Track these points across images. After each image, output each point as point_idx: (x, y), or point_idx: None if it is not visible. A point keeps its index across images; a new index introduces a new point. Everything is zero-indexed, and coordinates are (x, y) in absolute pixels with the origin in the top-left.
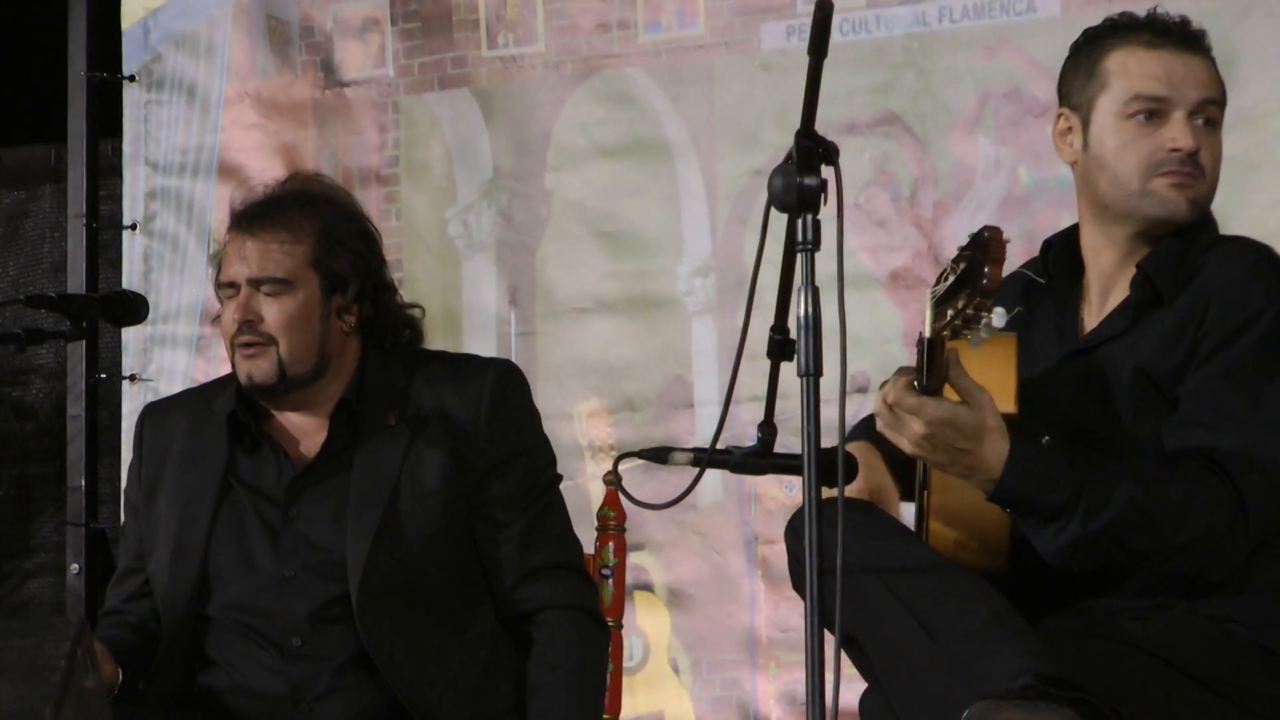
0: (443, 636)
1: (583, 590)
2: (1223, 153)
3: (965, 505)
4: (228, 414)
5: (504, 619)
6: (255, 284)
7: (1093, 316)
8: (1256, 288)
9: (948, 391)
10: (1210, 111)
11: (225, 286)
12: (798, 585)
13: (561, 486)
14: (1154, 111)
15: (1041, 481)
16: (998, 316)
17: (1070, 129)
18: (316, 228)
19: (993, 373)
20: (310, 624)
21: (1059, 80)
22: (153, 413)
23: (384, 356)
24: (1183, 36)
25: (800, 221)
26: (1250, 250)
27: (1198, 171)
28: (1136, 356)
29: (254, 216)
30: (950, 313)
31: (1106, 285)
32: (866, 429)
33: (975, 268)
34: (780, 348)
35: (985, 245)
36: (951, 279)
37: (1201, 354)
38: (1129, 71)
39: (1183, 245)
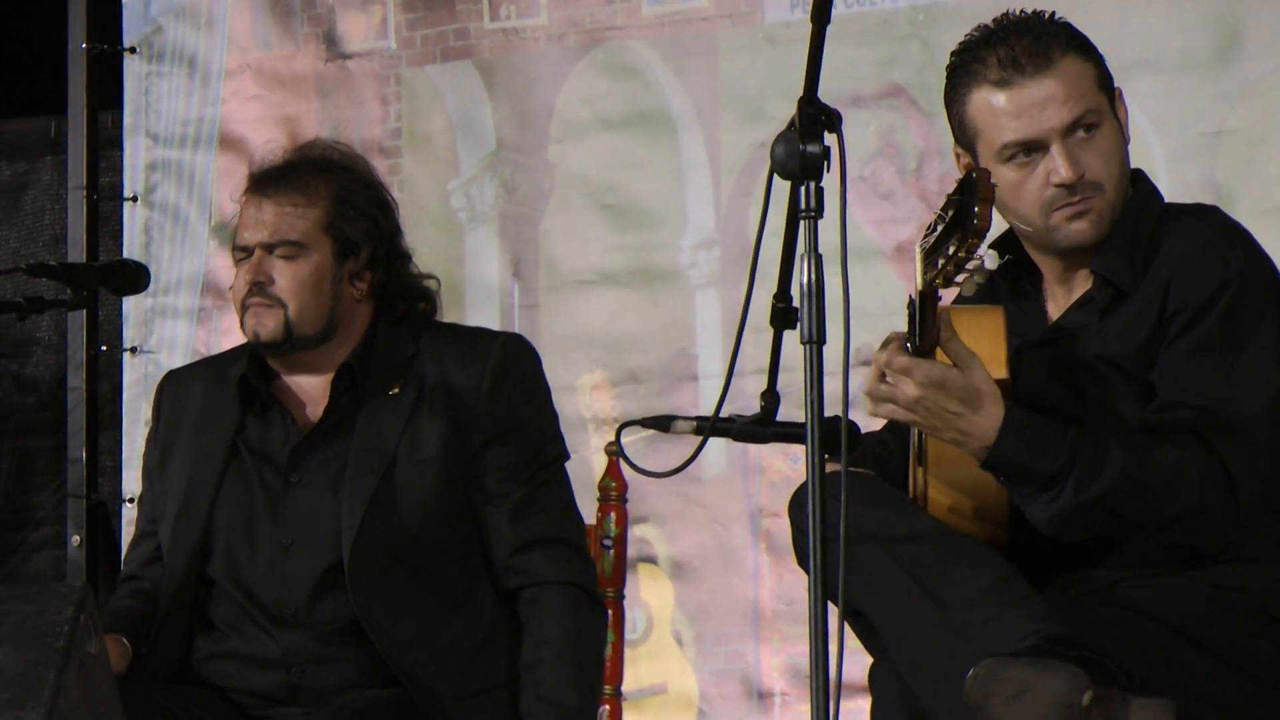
0: (436, 606)
1: (579, 568)
2: (1125, 121)
3: (964, 476)
4: (239, 377)
5: (502, 593)
6: (268, 248)
7: (1056, 305)
8: (1214, 264)
9: (940, 355)
10: (1087, 120)
11: (238, 250)
12: (801, 559)
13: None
14: (1030, 148)
15: (1035, 449)
16: (989, 258)
17: (969, 166)
18: (331, 192)
19: (983, 343)
20: (305, 592)
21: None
22: (171, 379)
23: (394, 325)
24: (1031, 61)
25: (803, 189)
26: (1203, 223)
27: (1090, 191)
28: (1100, 344)
29: (270, 179)
30: (941, 260)
31: (1063, 279)
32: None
33: (964, 209)
34: (783, 315)
35: (973, 186)
36: (940, 228)
37: (1170, 336)
38: (989, 121)
39: (1129, 235)
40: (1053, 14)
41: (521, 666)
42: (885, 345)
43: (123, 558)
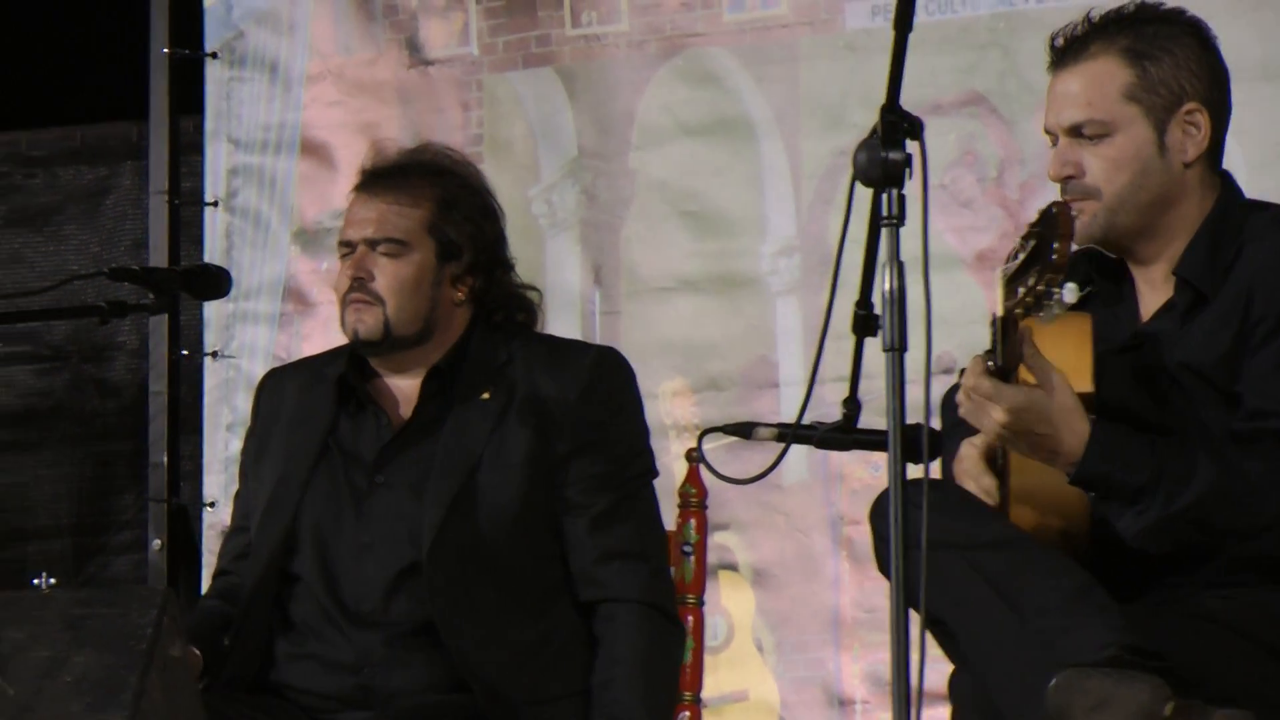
0: (512, 612)
1: (657, 586)
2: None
3: (1045, 486)
4: (337, 376)
5: (580, 606)
6: (371, 244)
7: (1146, 308)
8: None
9: (1023, 372)
10: (1089, 129)
11: (342, 245)
12: (882, 566)
13: None
14: (1054, 137)
15: (1122, 463)
16: (1069, 292)
17: None
18: (437, 195)
19: (1068, 351)
20: (382, 592)
21: None
22: (271, 378)
23: (491, 332)
24: (1069, 52)
25: (885, 195)
26: None
27: (1079, 193)
28: (1183, 352)
29: (379, 178)
30: (1021, 290)
31: (1147, 280)
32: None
33: (1044, 244)
34: (864, 323)
35: (1053, 221)
36: (1021, 256)
37: (1254, 344)
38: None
39: (1212, 237)
40: (1148, 9)
41: (594, 685)
42: (969, 367)
43: (203, 560)
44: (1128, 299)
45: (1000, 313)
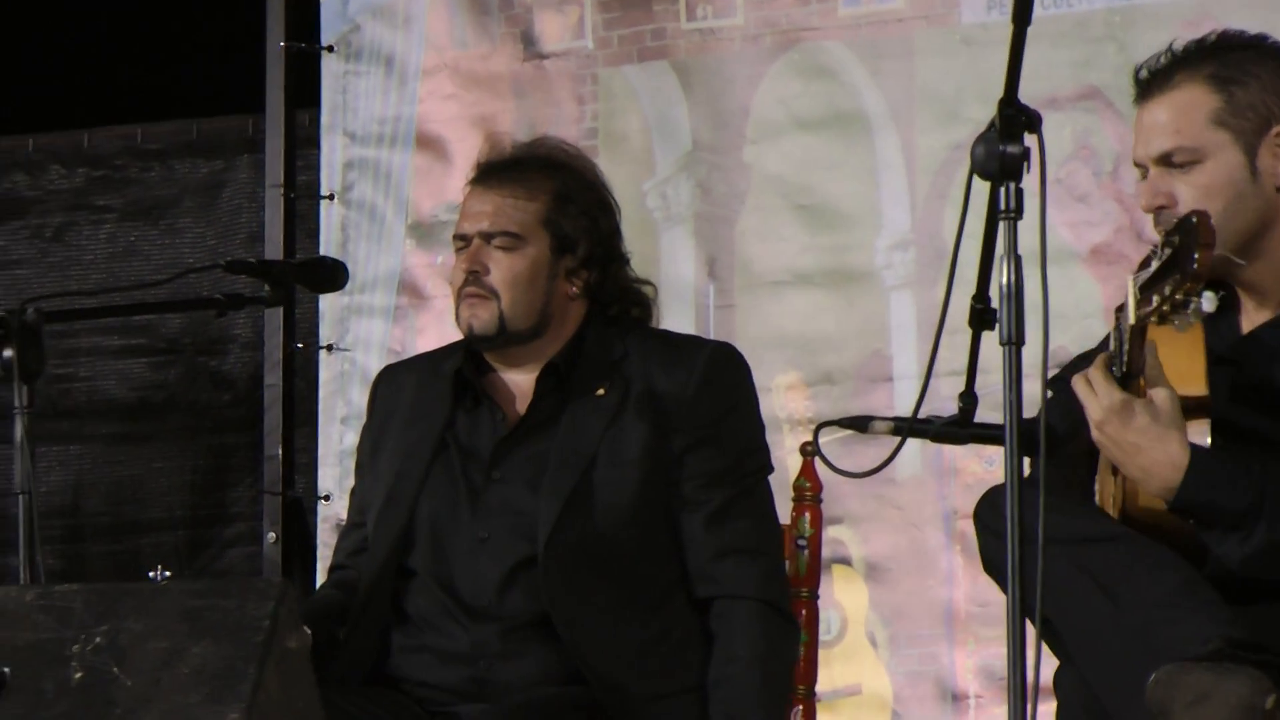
0: (628, 606)
1: (772, 583)
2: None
3: (1155, 508)
4: (453, 371)
5: (696, 602)
6: (486, 237)
7: (1249, 319)
8: None
9: (1143, 384)
10: (1177, 158)
11: (457, 239)
12: (987, 562)
13: None
14: (1144, 169)
15: (1223, 488)
16: (1207, 301)
17: None
18: (553, 189)
19: (1180, 357)
20: (497, 586)
21: None
22: (387, 374)
23: (606, 327)
24: (1154, 83)
25: (1002, 189)
26: None
27: (1168, 223)
28: None
29: (494, 171)
30: (1156, 298)
31: (1250, 293)
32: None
33: (1184, 253)
34: (981, 317)
35: (1193, 230)
36: (1156, 264)
37: None
38: None
39: None
40: (1230, 37)
41: (709, 682)
42: (1096, 361)
43: (318, 553)
44: (1227, 311)
45: (1132, 320)
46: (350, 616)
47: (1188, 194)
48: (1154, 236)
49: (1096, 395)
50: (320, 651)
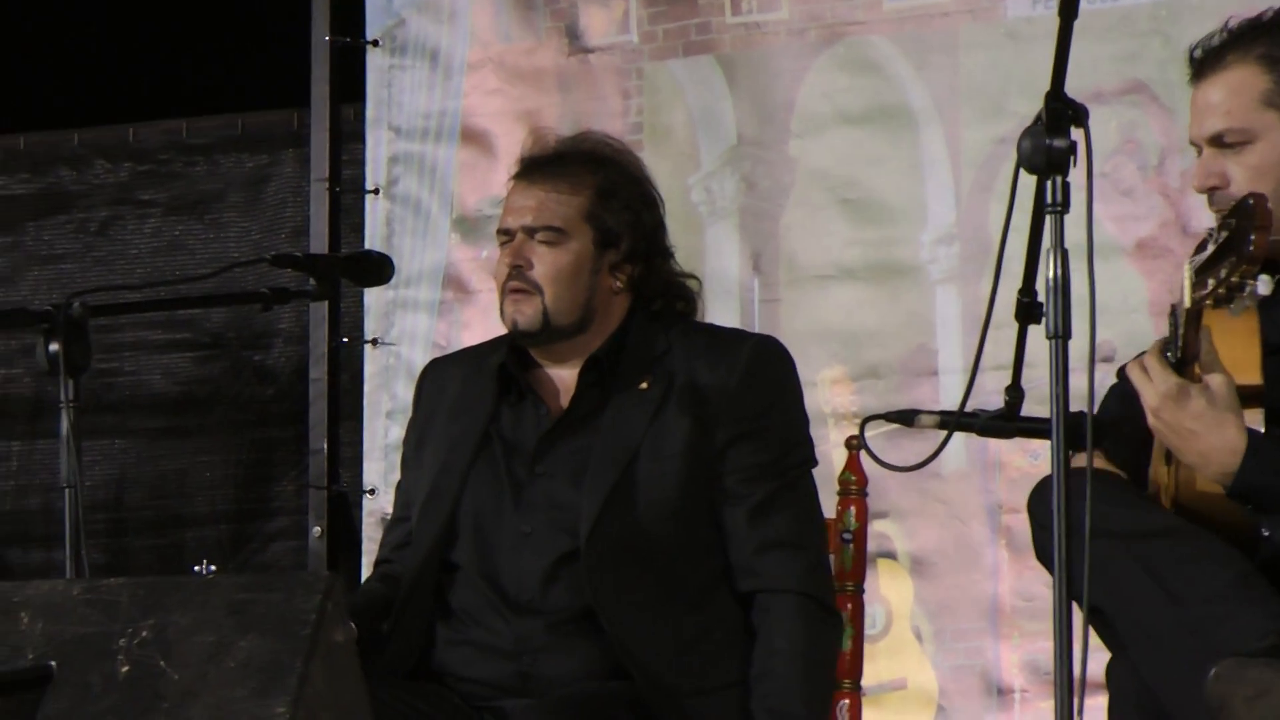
0: (670, 600)
1: (815, 577)
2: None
3: (1210, 493)
4: (498, 365)
5: (739, 596)
6: (530, 232)
7: None
8: None
9: (1198, 369)
10: (1228, 138)
11: (501, 234)
12: (1041, 555)
13: None
14: (1198, 148)
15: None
16: (1263, 284)
17: None
18: (596, 183)
19: (1236, 345)
20: (540, 580)
21: None
22: (433, 368)
23: (650, 321)
24: (1206, 62)
25: (1049, 183)
26: None
27: (1224, 203)
28: None
29: (538, 166)
30: (1212, 281)
31: None
32: (1118, 399)
33: (1240, 235)
34: (1028, 310)
35: (1250, 212)
36: (1212, 247)
37: None
38: None
39: None
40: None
41: (751, 676)
42: (1150, 348)
43: (363, 547)
44: None
45: (1187, 304)
46: (394, 611)
47: (1239, 174)
48: (1199, 230)
49: (1152, 381)
50: (364, 646)
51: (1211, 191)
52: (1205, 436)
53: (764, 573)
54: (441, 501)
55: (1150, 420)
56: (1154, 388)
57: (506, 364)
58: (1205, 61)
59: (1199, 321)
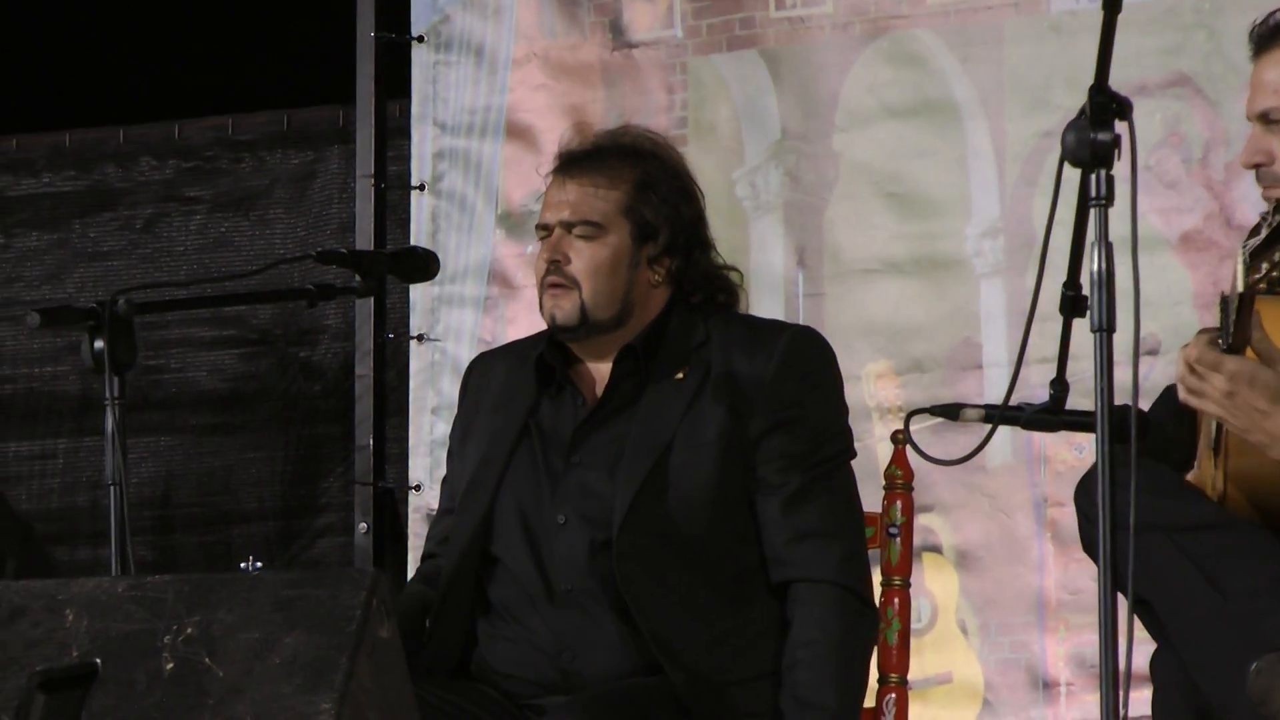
0: (705, 591)
1: (850, 567)
2: None
3: (1262, 468)
4: (537, 357)
5: (774, 587)
6: (567, 227)
7: None
8: None
9: (1250, 354)
10: (1273, 115)
11: (540, 229)
12: (1088, 547)
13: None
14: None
15: None
16: None
17: None
18: (635, 177)
19: None
20: (576, 570)
21: None
22: (479, 362)
23: (689, 313)
24: (1264, 38)
25: (1094, 176)
26: None
27: (1270, 181)
28: None
29: (576, 160)
30: (1265, 265)
31: None
32: (1168, 402)
33: None
34: (1072, 303)
35: None
36: (1266, 231)
37: None
38: None
39: None
40: None
41: (783, 667)
42: (1193, 341)
43: (409, 543)
44: None
45: (1239, 287)
46: (434, 608)
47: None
48: (1244, 222)
49: (1218, 368)
50: (409, 646)
51: (1257, 168)
52: (1274, 415)
53: (798, 563)
54: (480, 494)
55: (1216, 407)
56: (1223, 373)
57: (545, 355)
58: (1263, 39)
59: (1252, 306)
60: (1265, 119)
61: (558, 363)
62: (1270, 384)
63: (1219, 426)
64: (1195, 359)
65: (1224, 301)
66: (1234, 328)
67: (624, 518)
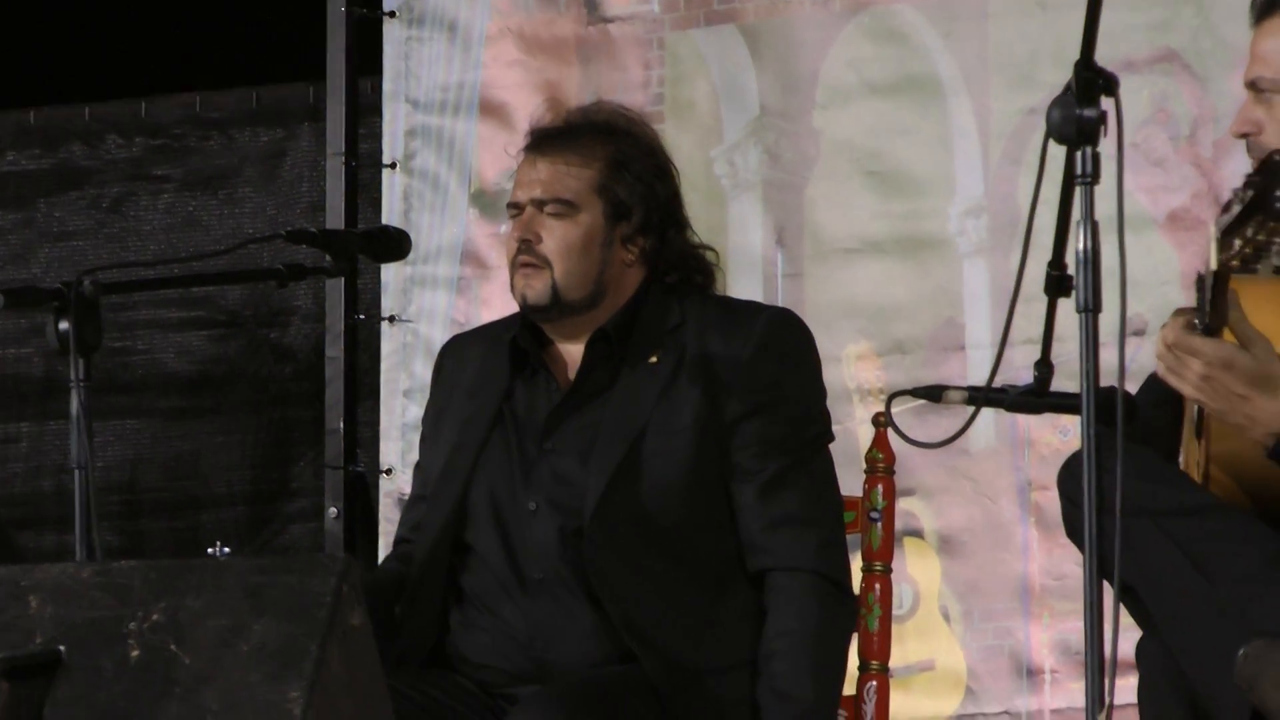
0: (679, 579)
1: (828, 555)
2: None
3: (1245, 451)
4: (510, 340)
5: (752, 575)
6: (539, 205)
7: None
8: None
9: (1227, 335)
10: (1261, 85)
11: (511, 207)
12: (1071, 531)
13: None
14: None
15: None
16: None
17: None
18: (608, 154)
19: (1268, 316)
20: (548, 557)
21: None
22: (453, 345)
23: (664, 294)
24: (1260, 8)
25: (1079, 154)
26: None
27: (1260, 152)
28: None
29: (548, 138)
30: (1238, 243)
31: None
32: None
33: (1266, 193)
34: (1057, 283)
35: (1276, 169)
36: (1238, 208)
37: None
38: None
39: None
40: None
41: (760, 656)
42: (1170, 323)
43: (380, 528)
44: None
45: (1213, 266)
46: (406, 595)
47: (1271, 125)
48: None
49: (1196, 353)
50: (379, 628)
51: (1245, 138)
52: (1254, 400)
53: (775, 550)
54: (453, 482)
55: (1195, 389)
56: (1201, 358)
57: (518, 339)
58: (1264, 8)
59: (1226, 285)
60: (1255, 88)
61: (531, 346)
62: (1248, 368)
63: (1200, 410)
64: (1173, 343)
65: (1200, 281)
66: (1210, 308)
67: (596, 505)
